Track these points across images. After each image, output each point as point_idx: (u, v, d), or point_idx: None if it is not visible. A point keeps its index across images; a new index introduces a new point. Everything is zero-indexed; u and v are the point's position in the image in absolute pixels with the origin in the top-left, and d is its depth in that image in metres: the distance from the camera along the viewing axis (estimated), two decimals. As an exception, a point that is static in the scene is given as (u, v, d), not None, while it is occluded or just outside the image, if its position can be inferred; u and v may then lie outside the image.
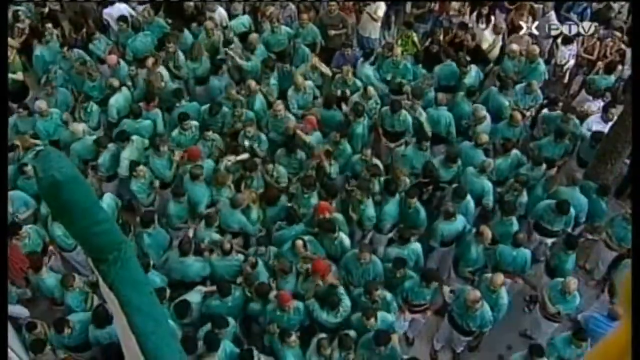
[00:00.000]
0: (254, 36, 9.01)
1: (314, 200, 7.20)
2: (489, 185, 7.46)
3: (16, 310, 6.72)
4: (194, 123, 8.03)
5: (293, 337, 5.96)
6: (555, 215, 7.05)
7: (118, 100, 8.28)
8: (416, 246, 6.89)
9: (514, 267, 6.92)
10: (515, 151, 7.84)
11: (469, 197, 7.19)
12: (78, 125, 7.93)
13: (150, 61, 8.58)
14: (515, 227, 7.09)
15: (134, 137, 7.70)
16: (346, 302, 6.29)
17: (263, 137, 8.01)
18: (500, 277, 6.42)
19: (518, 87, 8.54)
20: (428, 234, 7.24)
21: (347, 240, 6.90)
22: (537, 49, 8.79)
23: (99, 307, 6.15)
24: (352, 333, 6.07)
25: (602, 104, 8.51)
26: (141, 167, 7.38)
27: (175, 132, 7.99)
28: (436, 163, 7.61)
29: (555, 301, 6.59)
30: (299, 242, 6.58)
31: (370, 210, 7.10)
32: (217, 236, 6.93)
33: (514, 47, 8.84)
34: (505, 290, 6.54)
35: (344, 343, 5.89)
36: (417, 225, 7.20)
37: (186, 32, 9.29)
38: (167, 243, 7.23)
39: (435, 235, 7.08)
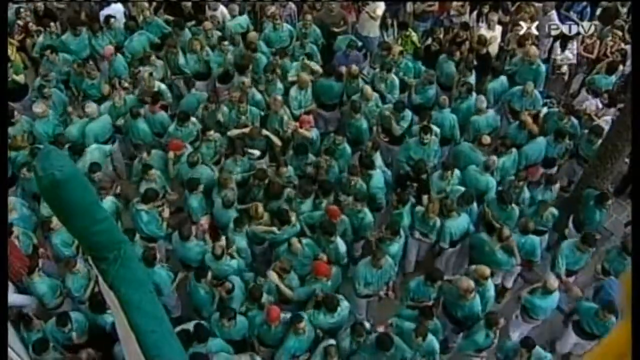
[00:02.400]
0: (252, 35, 9.02)
1: (306, 207, 7.14)
2: (493, 182, 7.45)
3: (19, 300, 6.66)
4: (193, 120, 8.01)
5: (303, 324, 5.90)
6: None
7: (107, 106, 8.24)
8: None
9: (523, 254, 6.95)
10: (514, 149, 7.83)
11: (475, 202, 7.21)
12: (93, 105, 7.97)
13: (146, 74, 8.42)
14: (516, 213, 7.15)
15: (89, 149, 7.68)
16: (344, 302, 6.29)
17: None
18: (486, 270, 6.45)
19: (515, 88, 8.52)
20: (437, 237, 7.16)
21: (342, 248, 6.79)
22: (536, 51, 8.71)
23: (97, 295, 6.09)
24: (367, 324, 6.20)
25: (598, 102, 8.51)
26: (153, 170, 7.33)
27: (172, 128, 7.95)
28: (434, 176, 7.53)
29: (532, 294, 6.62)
30: (296, 242, 6.55)
31: (369, 217, 7.06)
32: (243, 244, 6.82)
33: (534, 51, 8.68)
34: (491, 283, 6.57)
35: (357, 330, 5.93)
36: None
37: (186, 31, 9.29)
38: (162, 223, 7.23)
39: (444, 235, 7.01)
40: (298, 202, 7.15)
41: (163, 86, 8.56)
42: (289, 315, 6.13)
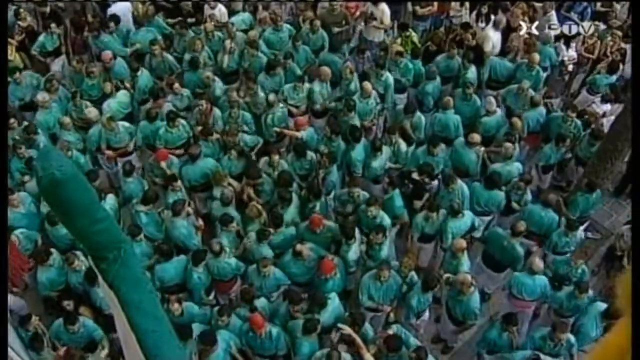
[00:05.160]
0: (253, 33, 9.02)
1: (289, 215, 7.10)
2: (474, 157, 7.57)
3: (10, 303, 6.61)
4: (182, 122, 7.96)
5: (319, 327, 5.93)
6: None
7: (110, 104, 8.25)
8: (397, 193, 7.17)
9: (540, 228, 7.06)
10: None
11: (459, 182, 7.21)
12: (92, 109, 7.96)
13: (105, 119, 8.04)
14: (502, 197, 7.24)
15: None
16: (331, 294, 6.32)
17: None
18: (462, 242, 6.50)
19: (512, 87, 8.53)
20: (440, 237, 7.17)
21: (354, 256, 6.77)
22: (538, 57, 8.69)
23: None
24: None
25: (609, 106, 8.47)
26: (179, 182, 7.27)
27: (162, 130, 7.85)
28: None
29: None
30: (304, 248, 6.53)
31: (387, 220, 7.03)
32: (269, 251, 6.80)
33: (537, 58, 8.63)
34: (467, 259, 6.61)
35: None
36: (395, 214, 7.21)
37: (188, 31, 9.27)
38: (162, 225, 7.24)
39: (446, 234, 6.99)
40: (281, 210, 7.09)
41: (126, 124, 8.08)
42: (275, 329, 6.07)
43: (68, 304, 6.43)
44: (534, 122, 8.17)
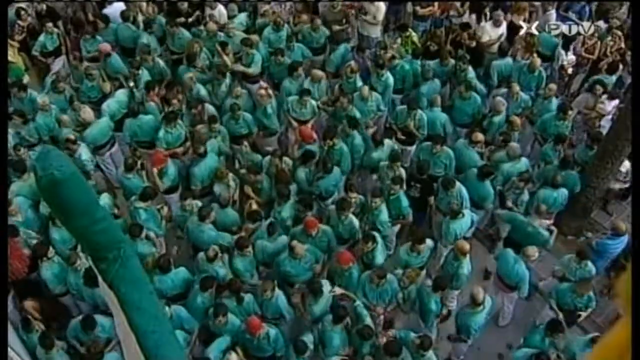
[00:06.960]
0: (255, 38, 9.02)
1: (286, 213, 7.15)
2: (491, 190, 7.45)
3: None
4: (179, 122, 7.97)
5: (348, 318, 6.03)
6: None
7: (109, 104, 8.26)
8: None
9: (554, 207, 7.21)
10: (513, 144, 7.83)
11: (458, 184, 7.21)
12: (88, 110, 7.95)
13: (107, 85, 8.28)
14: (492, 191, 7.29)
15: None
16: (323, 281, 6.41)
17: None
18: (466, 245, 6.53)
19: (502, 91, 8.53)
20: (440, 238, 7.21)
21: (356, 223, 6.96)
22: (539, 61, 8.69)
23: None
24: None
25: (617, 102, 8.44)
26: (189, 200, 7.28)
27: (161, 133, 7.85)
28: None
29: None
30: (298, 245, 6.51)
31: (384, 216, 7.05)
32: (284, 239, 6.82)
33: (538, 62, 8.65)
34: (468, 262, 6.65)
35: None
36: (402, 214, 7.24)
37: (185, 31, 9.25)
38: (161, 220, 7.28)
39: (449, 236, 7.01)
40: (278, 209, 7.14)
41: (88, 160, 7.71)
42: (273, 331, 6.07)
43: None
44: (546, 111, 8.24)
